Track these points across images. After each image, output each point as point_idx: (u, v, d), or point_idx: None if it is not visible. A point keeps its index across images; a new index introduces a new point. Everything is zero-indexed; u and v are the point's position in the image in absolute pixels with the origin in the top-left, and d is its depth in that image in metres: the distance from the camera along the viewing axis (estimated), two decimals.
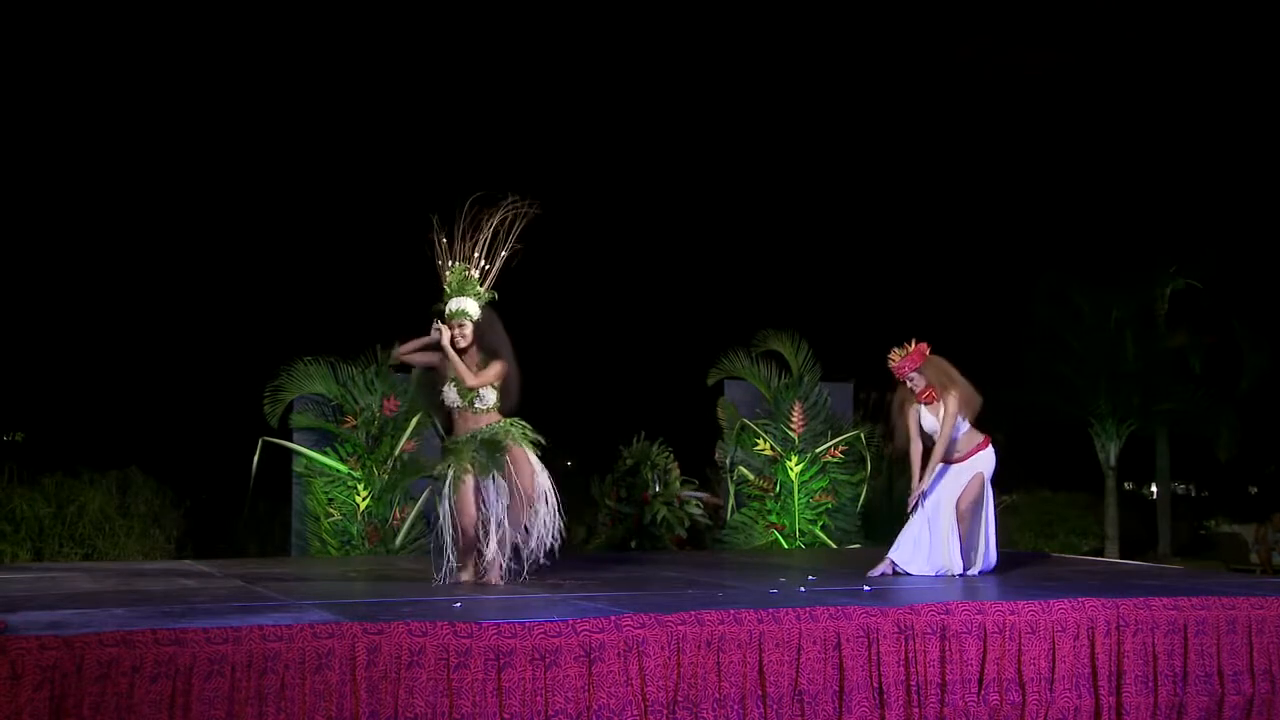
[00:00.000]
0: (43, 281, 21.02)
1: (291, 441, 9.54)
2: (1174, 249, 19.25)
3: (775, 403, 10.67)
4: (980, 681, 5.26)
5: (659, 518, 10.47)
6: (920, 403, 7.14)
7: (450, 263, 6.82)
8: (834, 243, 23.94)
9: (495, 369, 6.67)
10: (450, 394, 6.71)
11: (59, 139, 21.11)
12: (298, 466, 9.53)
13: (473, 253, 6.80)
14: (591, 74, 23.13)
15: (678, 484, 10.76)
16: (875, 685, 5.12)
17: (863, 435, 10.88)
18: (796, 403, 10.60)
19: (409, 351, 6.89)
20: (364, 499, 9.39)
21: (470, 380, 6.61)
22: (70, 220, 21.37)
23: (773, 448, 10.53)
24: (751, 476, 10.57)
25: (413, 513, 9.54)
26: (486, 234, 6.83)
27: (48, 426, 20.99)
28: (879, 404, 11.61)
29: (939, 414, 7.06)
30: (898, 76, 24.45)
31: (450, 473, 6.59)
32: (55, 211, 21.27)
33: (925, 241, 23.69)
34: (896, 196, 24.38)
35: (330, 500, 9.41)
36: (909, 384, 7.12)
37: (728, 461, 10.66)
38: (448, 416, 6.87)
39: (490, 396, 6.67)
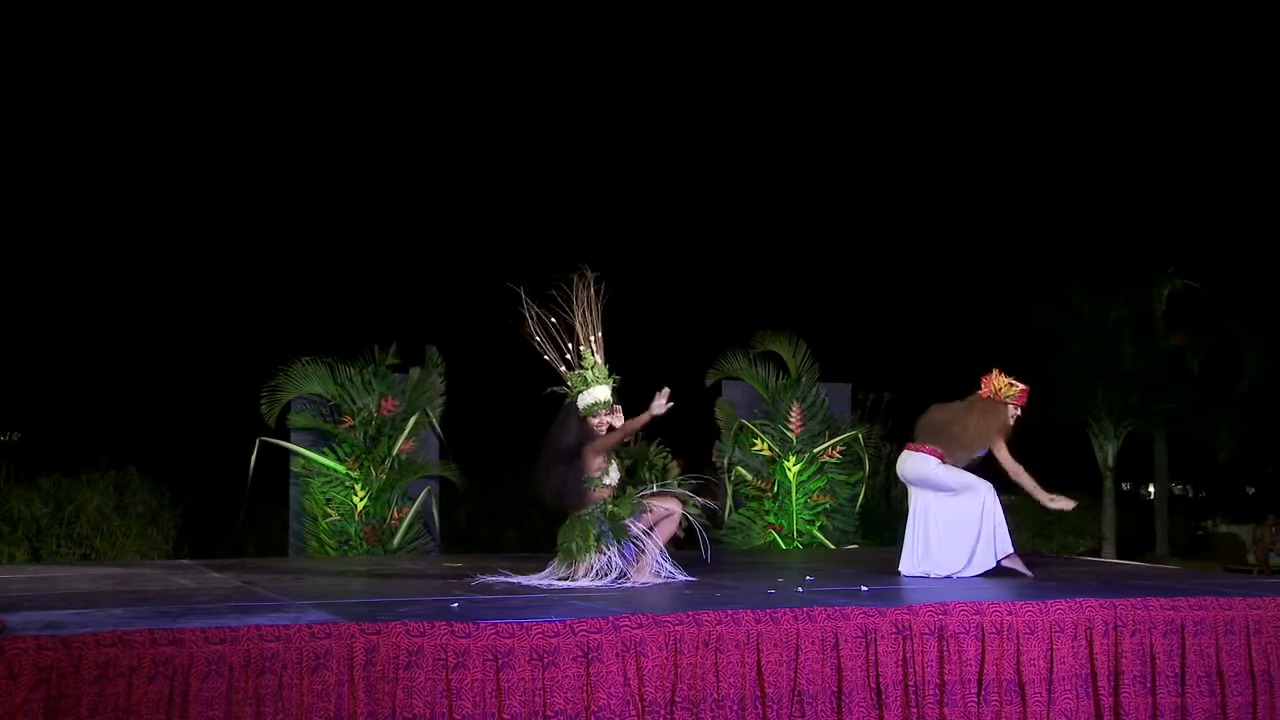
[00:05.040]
0: (40, 281, 21.00)
1: (289, 441, 9.54)
2: (1172, 249, 19.25)
3: (773, 403, 10.67)
4: (979, 682, 5.26)
5: None
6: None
7: (568, 348, 6.89)
8: (832, 243, 23.94)
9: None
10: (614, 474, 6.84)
11: (59, 139, 21.10)
12: (295, 467, 9.52)
13: (588, 335, 6.86)
14: (590, 75, 23.13)
15: (676, 483, 10.74)
16: (873, 686, 5.12)
17: (860, 436, 10.87)
18: (794, 403, 10.59)
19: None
20: (362, 499, 9.39)
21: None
22: (69, 220, 21.36)
23: (771, 448, 10.52)
24: (749, 477, 10.56)
25: (410, 513, 9.54)
26: (582, 310, 6.88)
27: (45, 427, 20.97)
28: (876, 405, 11.63)
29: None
30: (897, 76, 24.46)
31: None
32: (54, 211, 21.26)
33: (924, 242, 23.69)
34: (895, 197, 24.38)
35: (328, 500, 9.41)
36: (1015, 411, 7.18)
37: (725, 462, 10.65)
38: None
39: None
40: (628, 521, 6.64)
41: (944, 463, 7.14)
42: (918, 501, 7.23)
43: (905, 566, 7.14)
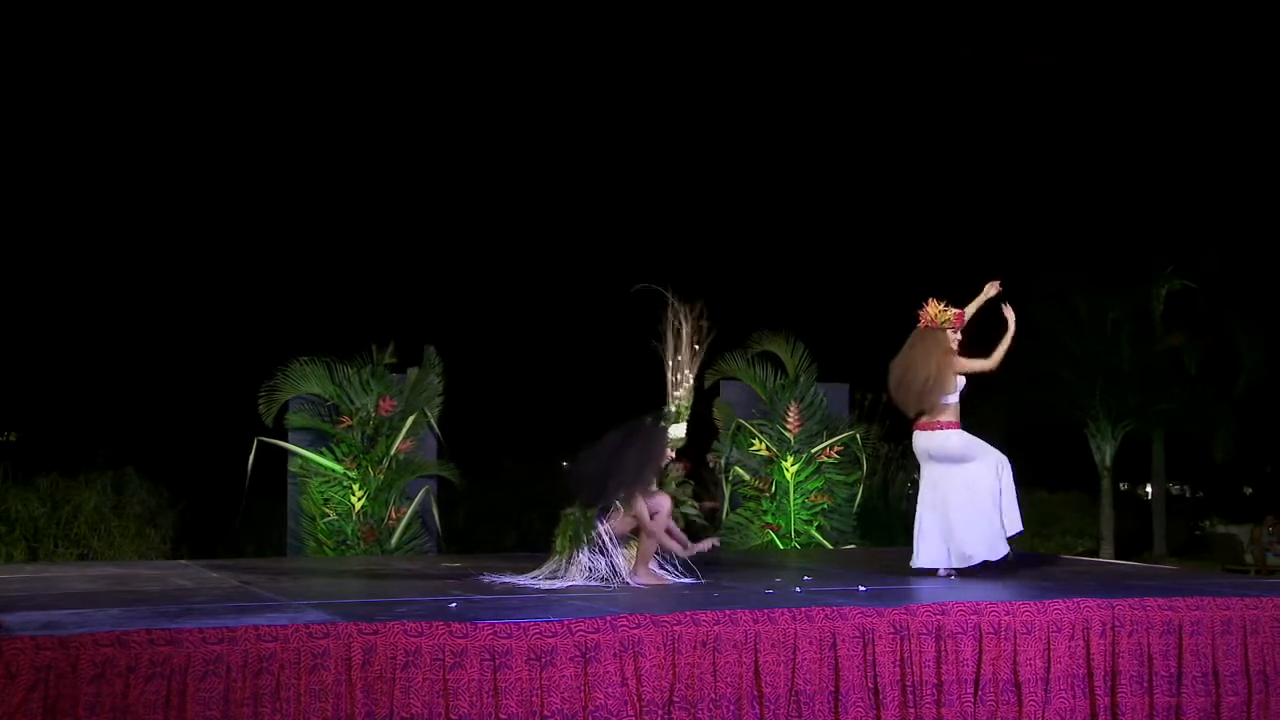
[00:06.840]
0: (38, 281, 21.00)
1: (287, 441, 9.53)
2: (1171, 250, 19.26)
3: (771, 403, 10.66)
4: (976, 682, 5.26)
5: None
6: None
7: (685, 372, 6.78)
8: (830, 244, 23.95)
9: None
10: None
11: (58, 139, 21.10)
12: (293, 466, 9.52)
13: (682, 369, 6.73)
14: (587, 76, 23.13)
15: (674, 485, 10.75)
16: (871, 686, 5.12)
17: (858, 436, 10.88)
18: (792, 403, 10.59)
19: None
20: (359, 499, 9.38)
21: None
22: (67, 220, 21.35)
23: (769, 448, 10.52)
24: (747, 477, 10.55)
25: (408, 513, 9.53)
26: (686, 341, 6.76)
27: (43, 426, 20.97)
28: (874, 405, 11.62)
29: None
30: (898, 76, 24.46)
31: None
32: (52, 211, 21.25)
33: (922, 242, 23.69)
34: (894, 197, 24.39)
35: (326, 500, 9.41)
36: (955, 335, 7.20)
37: (723, 462, 10.65)
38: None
39: None
40: (596, 518, 6.61)
41: (960, 430, 7.09)
42: (939, 479, 7.06)
43: (925, 558, 7.03)
